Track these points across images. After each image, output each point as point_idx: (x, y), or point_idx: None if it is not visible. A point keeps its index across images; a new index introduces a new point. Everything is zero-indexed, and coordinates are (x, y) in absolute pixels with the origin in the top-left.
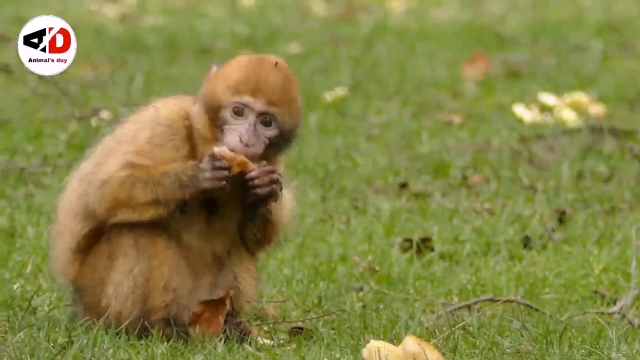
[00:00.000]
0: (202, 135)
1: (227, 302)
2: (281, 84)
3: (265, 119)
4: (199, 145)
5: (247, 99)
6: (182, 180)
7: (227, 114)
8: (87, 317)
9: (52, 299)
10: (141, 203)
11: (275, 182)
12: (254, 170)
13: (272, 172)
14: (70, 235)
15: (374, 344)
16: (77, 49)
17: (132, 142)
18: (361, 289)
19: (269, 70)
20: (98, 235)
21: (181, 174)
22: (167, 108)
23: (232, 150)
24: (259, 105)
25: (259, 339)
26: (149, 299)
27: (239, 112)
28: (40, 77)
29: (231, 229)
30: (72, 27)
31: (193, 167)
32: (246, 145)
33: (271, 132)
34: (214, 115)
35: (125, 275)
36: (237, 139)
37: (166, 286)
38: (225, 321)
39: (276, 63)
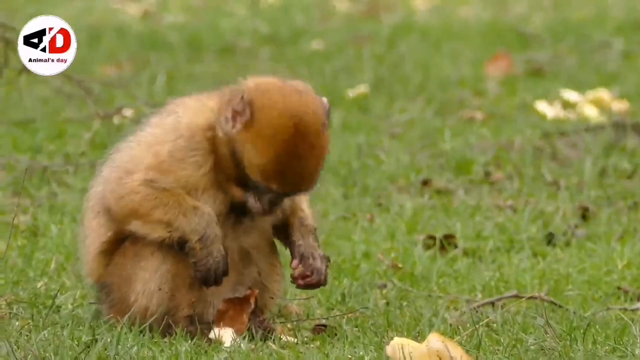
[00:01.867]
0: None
1: (252, 300)
2: (313, 168)
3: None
4: (222, 162)
5: (275, 186)
6: (200, 232)
7: (251, 180)
8: (112, 315)
9: (76, 297)
10: (156, 220)
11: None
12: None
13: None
14: (95, 237)
15: (397, 341)
16: (100, 48)
17: (154, 155)
18: (384, 286)
19: (303, 156)
20: (123, 235)
21: (206, 229)
22: (189, 117)
23: (251, 208)
24: (286, 189)
25: (282, 336)
26: (175, 296)
27: (264, 190)
28: (64, 77)
29: (259, 226)
30: (95, 26)
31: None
32: (265, 212)
33: (293, 197)
34: (239, 169)
35: (153, 272)
36: (258, 205)
37: (192, 284)
38: (249, 319)
39: (316, 134)
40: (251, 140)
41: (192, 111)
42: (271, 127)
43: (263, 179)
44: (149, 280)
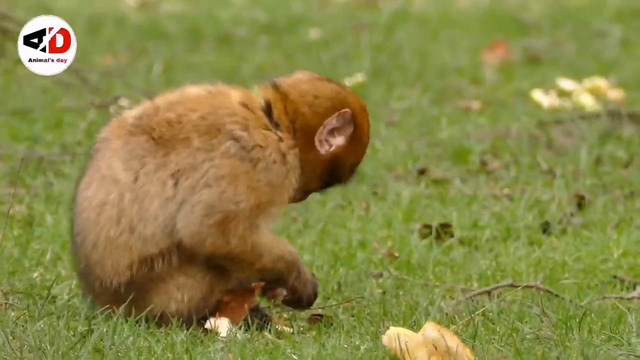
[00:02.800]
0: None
1: (257, 293)
2: None
3: None
4: (305, 174)
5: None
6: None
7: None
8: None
9: (72, 287)
10: (256, 270)
11: None
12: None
13: None
14: (137, 241)
15: (393, 331)
16: (99, 38)
17: (252, 191)
18: (380, 275)
19: None
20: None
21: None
22: (260, 135)
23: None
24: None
25: (278, 326)
26: (208, 300)
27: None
28: None
29: None
30: (94, 16)
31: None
32: None
33: None
34: (329, 174)
35: (193, 279)
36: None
37: (223, 289)
38: (250, 310)
39: None
40: (354, 146)
41: (253, 122)
42: (365, 131)
43: (353, 173)
44: (184, 284)
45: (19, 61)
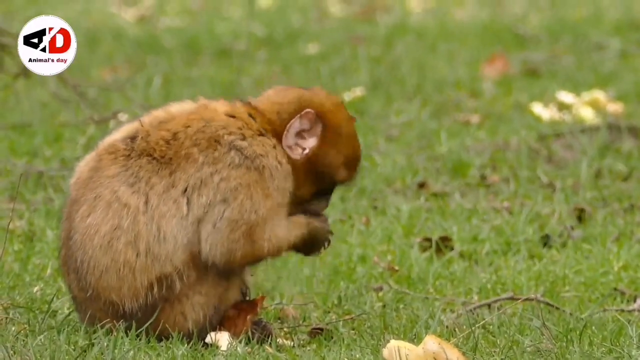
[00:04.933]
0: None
1: (260, 306)
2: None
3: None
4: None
5: (353, 175)
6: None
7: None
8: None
9: (72, 302)
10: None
11: None
12: None
13: None
14: (155, 262)
15: (394, 344)
16: (98, 52)
17: (265, 198)
18: (381, 288)
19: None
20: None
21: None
22: (258, 144)
23: (313, 213)
24: (356, 175)
25: (279, 339)
26: (216, 316)
27: (334, 188)
28: (60, 81)
29: None
30: (92, 30)
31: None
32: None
33: None
34: (317, 180)
35: (206, 296)
36: (324, 205)
37: (230, 304)
38: (251, 324)
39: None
40: (331, 144)
41: (251, 133)
42: (342, 125)
43: (349, 170)
44: (198, 302)
45: (17, 76)
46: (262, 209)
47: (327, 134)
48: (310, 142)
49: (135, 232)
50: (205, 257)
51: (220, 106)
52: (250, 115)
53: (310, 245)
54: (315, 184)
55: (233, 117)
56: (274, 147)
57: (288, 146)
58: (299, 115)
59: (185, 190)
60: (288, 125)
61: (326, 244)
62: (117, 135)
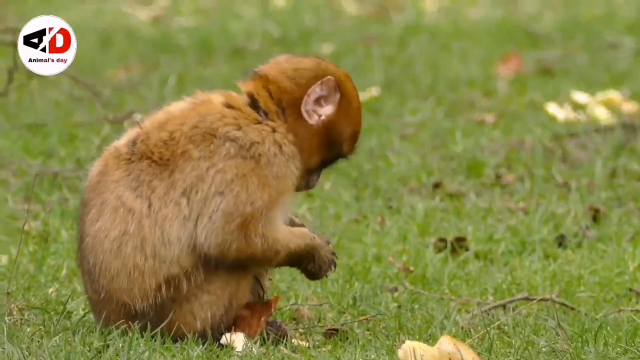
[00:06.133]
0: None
1: (274, 307)
2: None
3: None
4: (305, 155)
5: (355, 148)
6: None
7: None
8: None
9: (87, 302)
10: (278, 262)
11: None
12: None
13: None
14: (162, 264)
15: (409, 345)
16: (112, 52)
17: (262, 187)
18: (396, 289)
19: None
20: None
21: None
22: (254, 131)
23: (307, 188)
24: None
25: (294, 340)
26: (227, 316)
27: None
28: (75, 81)
29: None
30: (106, 30)
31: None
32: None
33: None
34: (328, 149)
35: (215, 296)
36: (316, 179)
37: (241, 304)
38: (265, 324)
39: None
40: (345, 114)
41: (245, 120)
42: (354, 97)
43: (353, 144)
44: (208, 302)
45: (32, 75)
46: (258, 201)
47: (343, 104)
48: (328, 110)
49: (141, 236)
50: (200, 248)
51: (217, 97)
52: (251, 97)
53: (310, 261)
54: (323, 154)
55: (229, 107)
56: (273, 131)
57: (306, 111)
58: (320, 82)
59: (185, 190)
60: (309, 91)
61: (332, 267)
62: (122, 140)
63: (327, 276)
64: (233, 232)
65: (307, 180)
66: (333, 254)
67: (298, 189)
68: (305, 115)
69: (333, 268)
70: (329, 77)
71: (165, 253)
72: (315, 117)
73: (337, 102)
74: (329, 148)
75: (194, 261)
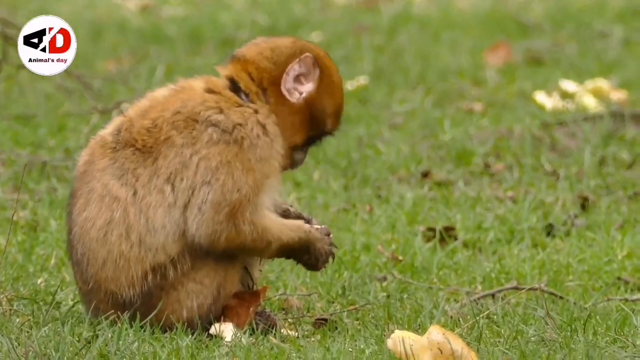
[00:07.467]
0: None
1: (262, 297)
2: None
3: None
4: (288, 133)
5: (339, 124)
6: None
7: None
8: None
9: (76, 292)
10: (270, 253)
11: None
12: None
13: None
14: (148, 252)
15: (398, 334)
16: (102, 43)
17: (247, 172)
18: (385, 278)
19: None
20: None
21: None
22: (236, 112)
23: (293, 167)
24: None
25: (283, 330)
26: (215, 305)
27: (320, 137)
28: (64, 72)
29: None
30: (97, 22)
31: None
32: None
33: None
34: (311, 127)
35: (201, 285)
36: (302, 157)
37: (229, 294)
38: (254, 314)
39: None
40: (325, 90)
41: (227, 103)
42: (333, 73)
43: (336, 120)
44: (195, 291)
45: (21, 66)
46: (244, 187)
47: (323, 80)
48: (308, 87)
49: (127, 224)
50: (191, 238)
51: (197, 83)
52: (232, 80)
53: (305, 254)
54: (307, 132)
55: (211, 92)
56: (255, 112)
57: (287, 89)
58: (298, 59)
59: (169, 177)
60: (288, 68)
61: (330, 259)
62: (107, 129)
63: (325, 267)
64: (222, 222)
65: (293, 159)
66: (331, 244)
67: (285, 168)
68: (285, 93)
69: (331, 260)
70: (306, 54)
71: (150, 240)
72: (296, 95)
73: (317, 79)
74: (312, 125)
75: (180, 248)
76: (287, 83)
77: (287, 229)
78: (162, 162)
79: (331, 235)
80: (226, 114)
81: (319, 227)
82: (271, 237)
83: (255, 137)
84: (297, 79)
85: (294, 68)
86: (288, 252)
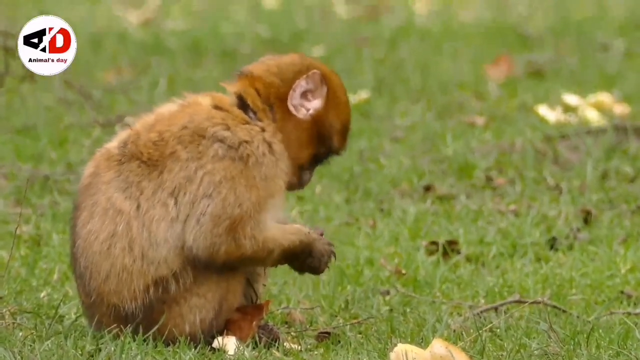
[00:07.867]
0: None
1: (266, 311)
2: None
3: None
4: (293, 152)
5: (345, 143)
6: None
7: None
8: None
9: (79, 306)
10: (270, 262)
11: None
12: None
13: None
14: (150, 265)
15: (401, 348)
16: (102, 54)
17: (249, 189)
18: (388, 292)
19: None
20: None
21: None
22: (243, 130)
23: (300, 186)
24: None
25: (286, 344)
26: (218, 319)
27: (327, 157)
28: (65, 84)
29: None
30: (97, 33)
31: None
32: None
33: None
34: (317, 145)
35: (204, 299)
36: (308, 177)
37: (232, 308)
38: (257, 328)
39: None
40: (333, 107)
41: (233, 120)
42: (341, 90)
43: (343, 138)
44: (198, 305)
45: (23, 79)
46: (246, 203)
47: (330, 97)
48: (316, 103)
49: (130, 237)
50: (189, 250)
51: (205, 99)
52: (239, 97)
53: (308, 256)
54: (314, 150)
55: (218, 108)
56: (262, 130)
57: (294, 105)
58: (305, 75)
59: (173, 191)
60: (294, 85)
61: (332, 258)
62: (113, 142)
63: (328, 267)
64: (221, 235)
65: (299, 179)
66: (329, 244)
67: (291, 188)
68: (292, 109)
69: (333, 258)
70: (314, 70)
71: (153, 254)
72: (303, 111)
73: (324, 95)
74: (319, 143)
75: (182, 263)
76: (293, 99)
77: (288, 234)
78: (167, 175)
79: (324, 235)
80: (233, 131)
81: (311, 228)
82: (273, 245)
83: (261, 155)
84: (304, 95)
85: (301, 84)
86: (291, 257)
